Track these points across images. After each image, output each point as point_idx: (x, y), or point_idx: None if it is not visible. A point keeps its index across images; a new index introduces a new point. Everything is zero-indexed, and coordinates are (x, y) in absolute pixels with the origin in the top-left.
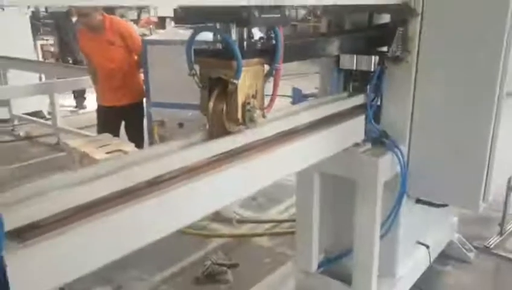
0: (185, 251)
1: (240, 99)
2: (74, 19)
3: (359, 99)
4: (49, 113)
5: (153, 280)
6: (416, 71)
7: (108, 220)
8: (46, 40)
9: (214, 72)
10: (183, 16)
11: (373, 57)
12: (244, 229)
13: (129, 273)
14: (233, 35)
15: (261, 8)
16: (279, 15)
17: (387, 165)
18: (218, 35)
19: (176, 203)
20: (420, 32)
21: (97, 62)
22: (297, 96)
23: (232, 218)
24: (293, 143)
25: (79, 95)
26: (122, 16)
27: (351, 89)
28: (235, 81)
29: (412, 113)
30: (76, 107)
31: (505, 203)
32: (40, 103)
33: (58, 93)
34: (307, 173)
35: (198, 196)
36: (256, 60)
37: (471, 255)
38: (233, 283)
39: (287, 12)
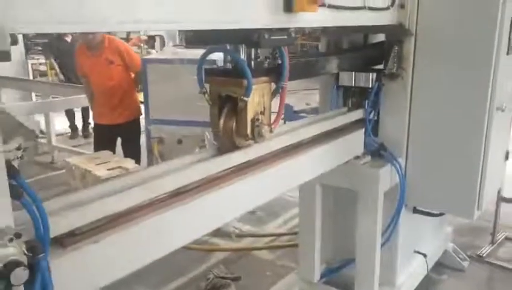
0: (186, 266)
1: (250, 115)
2: (69, 39)
3: (358, 114)
4: (41, 132)
5: None
6: (412, 87)
7: (137, 229)
8: (37, 59)
9: (224, 90)
10: (194, 38)
11: (371, 74)
12: (244, 243)
13: (133, 288)
14: (242, 55)
15: (270, 31)
16: (285, 36)
17: (386, 176)
18: (228, 56)
19: (197, 213)
20: (414, 51)
21: (96, 81)
22: (289, 113)
23: (231, 232)
24: (298, 156)
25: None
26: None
27: (350, 105)
28: (245, 98)
29: (409, 127)
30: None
31: (496, 213)
32: (30, 122)
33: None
34: (309, 185)
35: (217, 205)
36: (264, 78)
37: (466, 264)
38: None
39: (292, 34)
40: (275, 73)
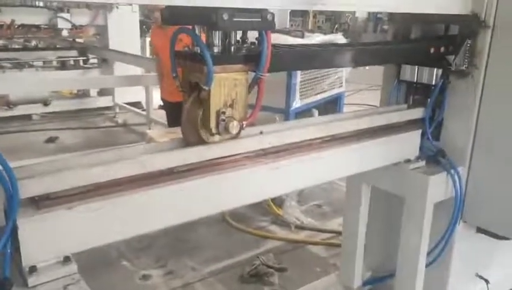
0: (238, 248)
1: (214, 107)
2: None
3: (416, 113)
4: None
5: (203, 271)
6: (483, 88)
7: (117, 201)
8: None
9: (191, 76)
10: (169, 16)
11: (435, 69)
12: (301, 235)
13: (183, 261)
14: (215, 39)
15: (233, 11)
16: (259, 19)
17: (440, 186)
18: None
19: (181, 196)
20: (490, 47)
21: (164, 60)
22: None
23: (291, 222)
24: (328, 150)
25: None
26: None
27: (411, 102)
28: (205, 87)
29: (475, 133)
30: None
31: None
32: (140, 94)
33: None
34: (356, 184)
35: (205, 193)
36: (237, 66)
37: None
38: (277, 287)
39: (269, 17)
40: (254, 61)
